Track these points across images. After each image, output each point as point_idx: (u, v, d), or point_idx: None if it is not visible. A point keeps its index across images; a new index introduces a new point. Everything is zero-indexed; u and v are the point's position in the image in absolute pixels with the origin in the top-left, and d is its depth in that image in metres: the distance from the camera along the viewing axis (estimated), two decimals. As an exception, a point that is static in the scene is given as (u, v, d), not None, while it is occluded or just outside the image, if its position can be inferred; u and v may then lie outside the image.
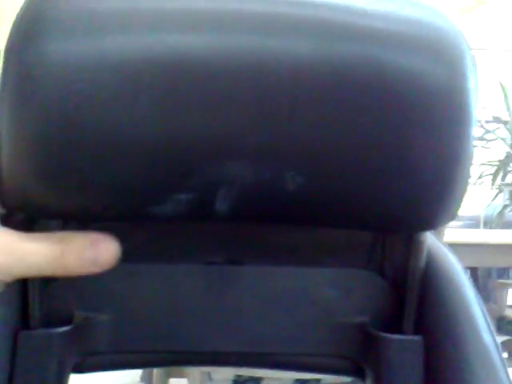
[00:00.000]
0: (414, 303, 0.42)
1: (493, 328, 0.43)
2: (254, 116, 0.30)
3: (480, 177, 2.60)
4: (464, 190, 0.36)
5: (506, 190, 2.55)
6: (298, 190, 0.33)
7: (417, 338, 0.41)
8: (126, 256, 0.41)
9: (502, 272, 2.73)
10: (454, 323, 0.42)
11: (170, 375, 1.71)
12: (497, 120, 2.57)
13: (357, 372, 0.45)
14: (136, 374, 1.95)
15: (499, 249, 1.72)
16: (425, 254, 0.41)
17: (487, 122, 2.62)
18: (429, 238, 0.43)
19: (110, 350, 0.41)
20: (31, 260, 0.30)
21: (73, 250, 0.30)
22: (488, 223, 2.52)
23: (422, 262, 0.41)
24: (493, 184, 2.56)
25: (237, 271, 0.43)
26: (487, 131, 2.56)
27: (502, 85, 2.63)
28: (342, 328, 0.43)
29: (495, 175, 2.58)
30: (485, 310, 0.43)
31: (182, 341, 0.42)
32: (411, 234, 0.40)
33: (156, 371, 1.73)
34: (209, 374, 1.45)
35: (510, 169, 2.57)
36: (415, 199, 0.35)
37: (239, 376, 1.47)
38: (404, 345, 0.41)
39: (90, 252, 0.31)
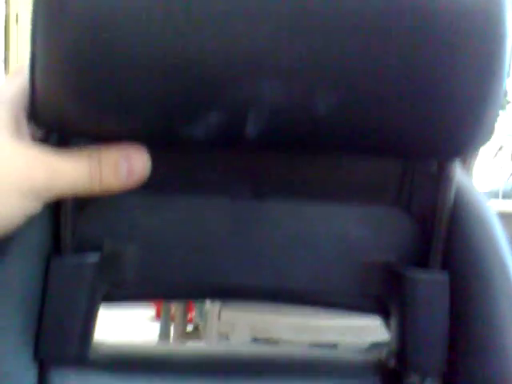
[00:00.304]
0: (442, 239, 0.41)
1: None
2: (288, 31, 0.30)
3: (500, 149, 2.56)
4: (495, 117, 0.36)
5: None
6: (329, 113, 0.32)
7: (443, 274, 0.41)
8: (154, 187, 0.41)
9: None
10: (481, 259, 0.41)
11: (187, 337, 1.73)
12: (519, 91, 2.52)
13: (382, 311, 0.45)
14: (154, 332, 1.97)
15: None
16: (454, 188, 0.40)
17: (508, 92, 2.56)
18: (458, 174, 0.42)
19: (137, 280, 0.41)
20: (69, 176, 0.30)
21: (109, 163, 0.31)
22: (507, 196, 2.49)
23: (451, 197, 0.40)
24: (513, 157, 2.52)
25: (263, 207, 0.43)
26: (509, 102, 2.51)
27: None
28: (368, 266, 0.43)
29: (515, 148, 2.53)
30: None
31: (207, 274, 0.43)
32: (441, 164, 0.39)
33: (173, 333, 1.75)
34: (226, 336, 1.47)
35: (530, 141, 2.52)
36: (446, 124, 0.34)
37: (256, 339, 1.49)
38: (430, 281, 0.41)
39: (124, 165, 0.31)
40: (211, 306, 1.38)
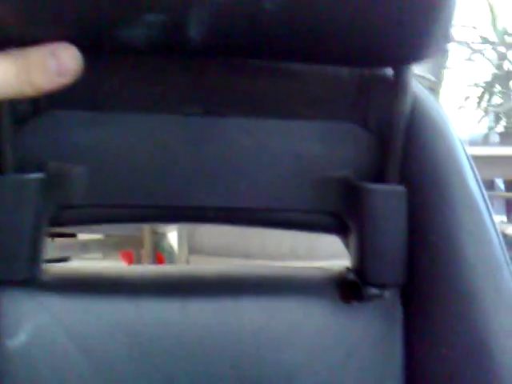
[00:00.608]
0: (399, 152, 0.40)
1: (480, 178, 0.42)
2: None
3: (466, 99, 2.57)
4: (449, 24, 0.34)
5: (492, 112, 2.53)
6: (275, 10, 0.30)
7: (400, 187, 0.40)
8: (99, 103, 0.39)
9: (490, 184, 2.76)
10: (439, 170, 0.41)
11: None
12: (484, 41, 2.52)
13: (340, 229, 0.44)
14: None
15: (485, 160, 1.72)
16: (409, 97, 0.39)
17: (474, 42, 2.56)
18: (416, 87, 0.41)
19: (86, 202, 0.40)
20: None
21: (35, 62, 0.28)
22: (474, 145, 2.51)
23: (407, 107, 0.39)
24: (478, 106, 2.53)
25: (217, 123, 0.41)
26: (474, 51, 2.50)
27: (490, 5, 2.55)
28: (325, 182, 0.42)
29: (481, 97, 2.55)
30: (472, 161, 0.42)
31: (160, 195, 0.41)
32: (396, 71, 0.38)
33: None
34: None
35: (496, 90, 2.54)
36: (399, 28, 0.33)
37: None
38: (388, 193, 0.40)
39: (52, 62, 0.29)
40: (179, 254, 1.37)
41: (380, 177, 0.41)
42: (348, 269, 0.43)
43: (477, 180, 0.41)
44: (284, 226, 0.45)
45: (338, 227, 0.43)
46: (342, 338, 0.41)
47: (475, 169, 0.42)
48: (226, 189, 0.42)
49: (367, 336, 0.41)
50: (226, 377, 0.40)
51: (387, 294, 0.41)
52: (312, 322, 0.41)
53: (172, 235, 2.03)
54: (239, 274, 0.45)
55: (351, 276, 0.42)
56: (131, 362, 0.40)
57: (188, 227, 1.55)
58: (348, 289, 0.42)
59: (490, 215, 0.41)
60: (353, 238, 0.42)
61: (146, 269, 0.45)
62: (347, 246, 0.44)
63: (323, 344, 0.41)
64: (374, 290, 0.41)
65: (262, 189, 0.42)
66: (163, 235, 2.05)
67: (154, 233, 1.88)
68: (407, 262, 0.41)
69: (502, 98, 2.54)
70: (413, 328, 0.42)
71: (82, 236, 2.34)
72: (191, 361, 0.40)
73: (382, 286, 0.41)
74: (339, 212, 0.42)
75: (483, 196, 0.41)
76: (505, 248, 0.41)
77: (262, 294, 0.42)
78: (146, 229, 1.80)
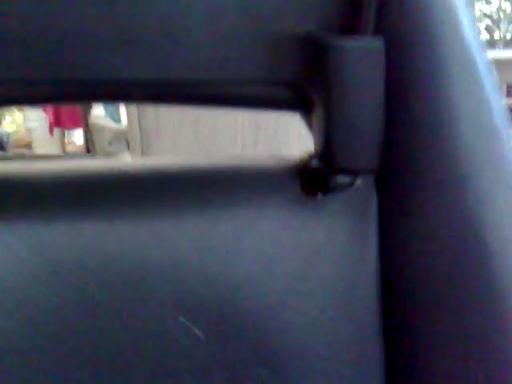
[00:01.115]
0: None
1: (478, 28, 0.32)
2: None
3: None
4: None
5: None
6: None
7: (377, 40, 0.30)
8: None
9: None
10: (427, 19, 0.30)
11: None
12: None
13: (301, 103, 0.34)
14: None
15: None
16: None
17: None
18: None
19: None
20: None
21: None
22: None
23: None
24: None
25: None
26: None
27: None
28: (281, 42, 0.32)
29: None
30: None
31: (73, 69, 0.30)
32: None
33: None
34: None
35: None
36: None
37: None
38: (361, 50, 0.30)
39: None
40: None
41: (350, 30, 0.30)
42: (311, 155, 0.34)
43: (476, 36, 0.32)
44: (230, 103, 0.35)
45: (299, 101, 0.34)
46: (304, 240, 0.33)
47: (475, 24, 0.32)
48: (153, 56, 0.31)
49: (335, 235, 0.33)
50: (166, 301, 0.32)
51: (359, 182, 0.33)
52: (266, 223, 0.32)
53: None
54: (176, 168, 0.35)
55: (315, 163, 0.33)
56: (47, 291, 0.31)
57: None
58: (311, 179, 0.33)
59: (492, 79, 0.32)
60: (317, 115, 0.33)
61: (59, 167, 0.35)
62: (310, 125, 0.35)
63: (281, 248, 0.33)
64: (342, 179, 0.32)
65: (200, 55, 0.32)
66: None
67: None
68: (384, 142, 0.32)
69: None
70: (391, 223, 0.33)
71: None
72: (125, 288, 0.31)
73: (352, 173, 0.32)
74: (299, 81, 0.32)
75: (483, 55, 0.32)
76: (507, 121, 0.32)
77: (203, 195, 0.33)
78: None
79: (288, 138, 1.26)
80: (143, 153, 1.42)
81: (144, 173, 0.34)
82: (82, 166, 0.35)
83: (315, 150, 0.34)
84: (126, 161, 0.38)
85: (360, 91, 0.31)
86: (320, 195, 0.33)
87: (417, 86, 0.31)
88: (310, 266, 0.33)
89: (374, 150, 0.32)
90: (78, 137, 4.01)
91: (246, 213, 0.33)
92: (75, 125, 3.68)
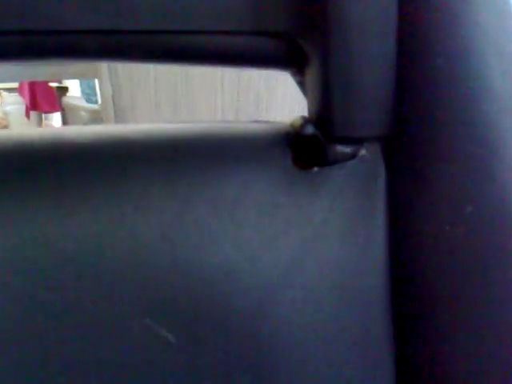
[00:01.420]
0: None
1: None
2: None
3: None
4: None
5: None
6: None
7: None
8: None
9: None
10: None
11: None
12: None
13: (292, 58, 0.28)
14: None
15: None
16: None
17: None
18: None
19: None
20: None
21: None
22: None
23: None
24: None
25: None
26: None
27: None
28: None
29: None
30: None
31: (15, 15, 0.24)
32: None
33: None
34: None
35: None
36: None
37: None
38: None
39: None
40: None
41: None
42: (305, 119, 0.28)
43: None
44: (210, 59, 0.28)
45: (290, 56, 0.27)
46: (296, 223, 0.27)
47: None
48: (113, 1, 0.25)
49: (335, 216, 0.27)
50: (129, 299, 0.25)
51: (364, 152, 0.27)
52: (251, 204, 0.26)
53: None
54: (141, 137, 0.29)
55: (309, 130, 0.27)
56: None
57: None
58: (305, 149, 0.27)
59: None
60: (312, 72, 0.27)
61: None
62: (303, 85, 0.28)
63: (269, 233, 0.27)
64: (343, 148, 0.27)
65: (171, 2, 0.25)
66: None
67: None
68: (395, 103, 0.26)
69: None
70: (403, 202, 0.27)
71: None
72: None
73: (355, 142, 0.26)
74: (290, 30, 0.26)
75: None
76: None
77: (174, 170, 0.26)
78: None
79: (274, 116, 1.19)
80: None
81: (102, 142, 0.28)
82: (29, 136, 0.29)
83: (309, 113, 0.28)
84: (81, 128, 0.31)
85: (366, 41, 0.24)
86: (316, 169, 0.27)
87: (437, 37, 0.25)
88: (305, 253, 0.27)
89: (382, 113, 0.26)
90: (56, 120, 3.93)
91: (226, 192, 0.27)
92: (52, 108, 3.63)
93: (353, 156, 0.27)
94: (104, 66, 1.31)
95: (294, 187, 0.27)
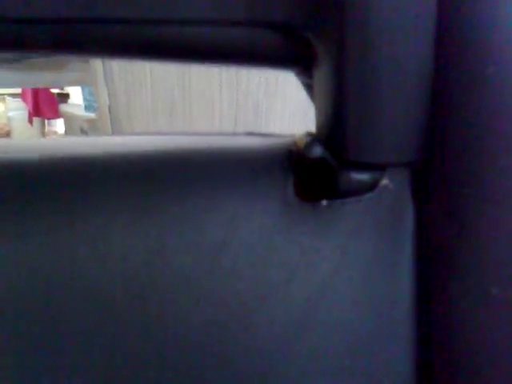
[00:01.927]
0: None
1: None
2: None
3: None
4: None
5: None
6: None
7: None
8: None
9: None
10: None
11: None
12: None
13: (299, 56, 0.22)
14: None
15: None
16: None
17: None
18: None
19: None
20: None
21: None
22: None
23: None
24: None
25: None
26: None
27: None
28: None
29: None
30: None
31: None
32: None
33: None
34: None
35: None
36: None
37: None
38: None
39: None
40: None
41: None
42: (311, 137, 0.21)
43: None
44: (195, 55, 0.22)
45: (294, 51, 0.21)
46: (297, 270, 0.21)
47: None
48: None
49: (348, 263, 0.21)
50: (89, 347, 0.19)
51: (387, 182, 0.21)
52: (243, 247, 0.20)
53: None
54: (119, 151, 0.23)
55: (318, 151, 0.21)
56: None
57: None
58: (311, 176, 0.21)
59: None
60: (321, 72, 0.21)
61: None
62: (310, 88, 0.22)
63: (263, 287, 0.21)
64: (361, 176, 0.21)
65: None
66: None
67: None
68: (429, 119, 0.20)
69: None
70: (435, 245, 0.21)
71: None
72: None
73: (377, 168, 0.20)
74: (294, 20, 0.20)
75: None
76: None
77: (151, 205, 0.20)
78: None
79: (273, 124, 1.14)
80: (115, 143, 1.28)
81: (76, 155, 0.22)
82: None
83: (318, 128, 0.22)
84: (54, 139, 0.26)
85: (395, 39, 0.18)
86: (325, 202, 0.21)
87: (489, 41, 0.19)
88: (309, 313, 0.21)
89: (412, 132, 0.20)
90: (59, 126, 3.89)
91: (210, 231, 0.21)
92: (54, 114, 3.59)
93: (372, 186, 0.21)
94: (100, 73, 1.26)
95: (295, 225, 0.21)
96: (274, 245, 0.20)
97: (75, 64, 1.71)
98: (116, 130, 1.29)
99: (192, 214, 0.21)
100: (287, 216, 0.21)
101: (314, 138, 0.21)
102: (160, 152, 0.23)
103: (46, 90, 3.49)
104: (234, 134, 0.25)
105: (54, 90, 3.53)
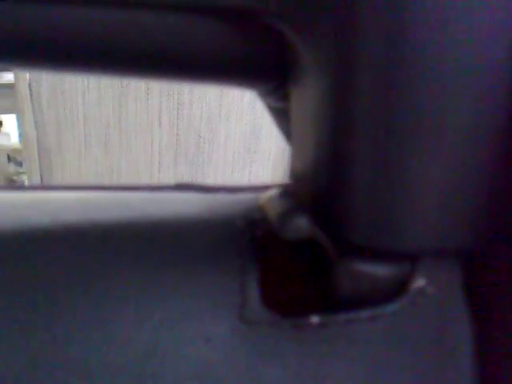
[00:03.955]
0: None
1: None
2: None
3: None
4: None
5: None
6: None
7: None
8: None
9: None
10: None
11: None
12: None
13: (271, 60, 0.12)
14: None
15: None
16: None
17: None
18: None
19: None
20: None
21: None
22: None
23: None
24: None
25: None
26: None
27: None
28: None
29: None
30: None
31: None
32: None
33: None
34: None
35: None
36: None
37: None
38: None
39: None
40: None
41: None
42: (286, 196, 0.12)
43: None
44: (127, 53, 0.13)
45: (264, 53, 0.12)
46: None
47: None
48: None
49: None
50: None
51: (423, 283, 0.11)
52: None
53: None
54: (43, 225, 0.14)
55: (302, 227, 0.12)
56: None
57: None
58: (288, 270, 0.12)
59: None
60: (305, 91, 0.11)
61: None
62: (281, 113, 0.13)
63: None
64: (378, 271, 0.11)
65: None
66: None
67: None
68: (493, 182, 0.11)
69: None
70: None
71: None
72: None
73: (406, 258, 0.11)
74: (269, 7, 0.11)
75: None
76: None
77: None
78: None
79: (216, 161, 1.05)
80: (43, 174, 1.16)
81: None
82: None
83: (296, 181, 0.13)
84: None
85: (440, 48, 0.10)
86: (314, 318, 0.12)
87: None
88: None
89: (466, 201, 0.11)
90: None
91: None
92: None
93: (398, 290, 0.12)
94: (26, 101, 1.13)
95: (260, 359, 0.11)
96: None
97: (3, 90, 1.57)
98: (44, 161, 1.17)
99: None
100: (248, 342, 0.11)
101: (292, 202, 0.12)
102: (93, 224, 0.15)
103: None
104: (162, 187, 0.16)
105: (-14, 117, 3.33)
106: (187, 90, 1.03)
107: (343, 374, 0.12)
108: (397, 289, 0.12)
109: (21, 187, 0.22)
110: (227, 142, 1.03)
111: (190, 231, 0.13)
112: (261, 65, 0.13)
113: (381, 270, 0.13)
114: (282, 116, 0.15)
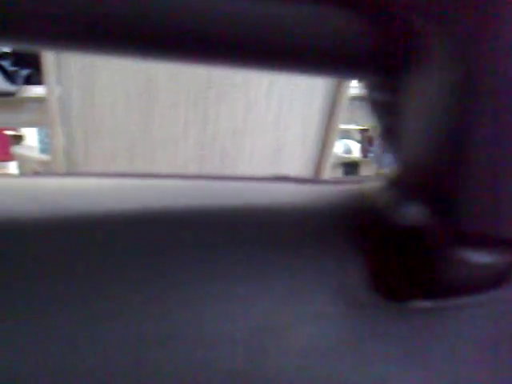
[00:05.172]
0: None
1: None
2: None
3: None
4: None
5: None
6: None
7: None
8: None
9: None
10: None
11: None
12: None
13: (375, 62, 0.13)
14: None
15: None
16: None
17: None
18: None
19: None
20: None
21: None
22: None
23: None
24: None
25: None
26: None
27: None
28: None
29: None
30: None
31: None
32: None
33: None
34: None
35: None
36: None
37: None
38: None
39: None
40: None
41: None
42: (392, 185, 0.13)
43: None
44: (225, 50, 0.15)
45: (383, 45, 0.13)
46: None
47: None
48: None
49: None
50: None
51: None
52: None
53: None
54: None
55: (413, 214, 0.12)
56: None
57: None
58: (396, 257, 0.12)
59: None
60: (424, 81, 0.12)
61: None
62: (384, 109, 0.14)
63: None
64: (487, 260, 0.12)
65: None
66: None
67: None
68: None
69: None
70: None
71: None
72: None
73: None
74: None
75: None
76: None
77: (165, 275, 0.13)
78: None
79: (241, 170, 1.06)
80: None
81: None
82: None
83: (403, 171, 0.13)
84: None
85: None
86: (419, 303, 0.12)
87: None
88: None
89: None
90: (12, 169, 3.73)
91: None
92: (5, 157, 3.44)
93: (504, 278, 0.12)
94: (56, 114, 1.15)
95: (368, 340, 0.12)
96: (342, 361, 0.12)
97: (31, 104, 1.60)
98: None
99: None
100: (356, 322, 0.12)
101: (401, 191, 0.13)
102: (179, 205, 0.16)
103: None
104: (260, 178, 0.17)
105: (9, 132, 3.39)
106: (213, 102, 1.04)
107: (451, 358, 0.13)
108: (502, 276, 0.13)
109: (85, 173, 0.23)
110: (253, 154, 1.04)
111: (299, 218, 0.14)
112: (380, 55, 0.14)
113: (489, 258, 0.13)
114: (385, 110, 0.15)
